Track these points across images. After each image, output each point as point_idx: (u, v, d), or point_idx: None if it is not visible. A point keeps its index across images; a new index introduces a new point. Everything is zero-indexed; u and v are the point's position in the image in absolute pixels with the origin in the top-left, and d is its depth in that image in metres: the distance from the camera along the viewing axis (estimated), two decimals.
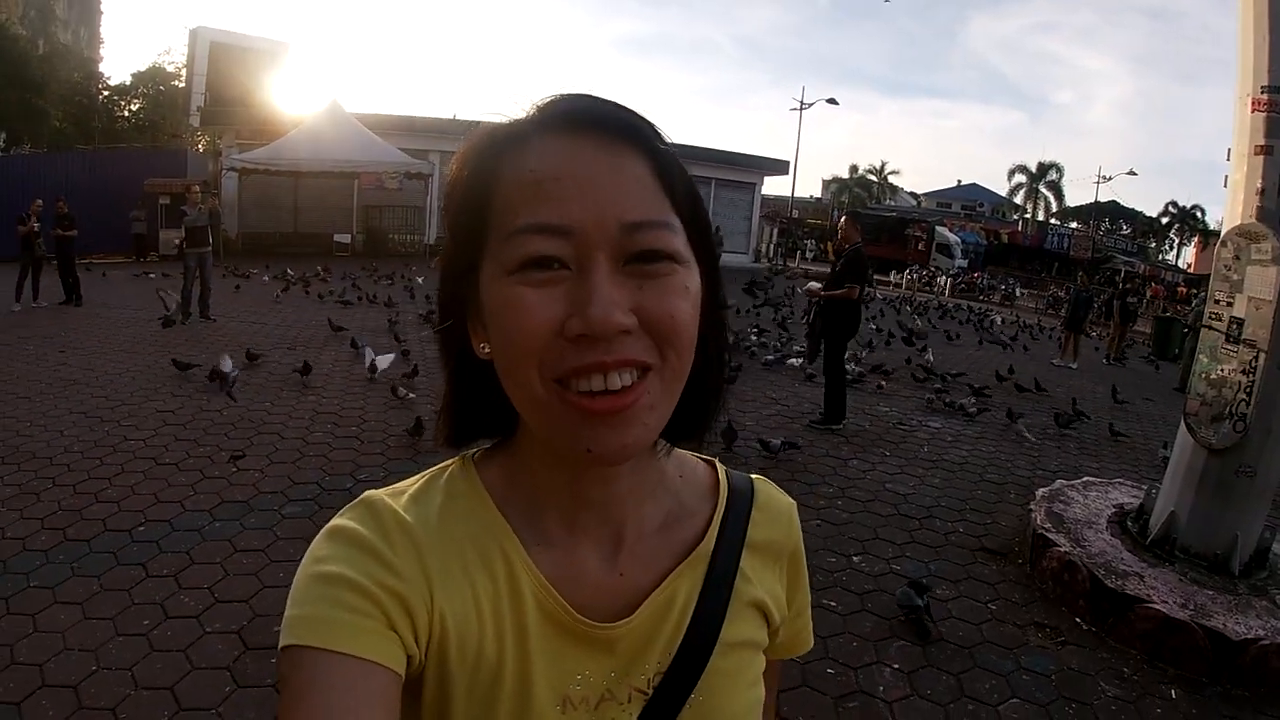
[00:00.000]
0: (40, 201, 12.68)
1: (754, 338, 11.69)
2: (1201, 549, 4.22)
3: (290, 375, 8.07)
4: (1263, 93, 4.11)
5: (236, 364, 6.48)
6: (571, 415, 0.56)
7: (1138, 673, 3.63)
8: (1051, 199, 54.09)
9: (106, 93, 55.64)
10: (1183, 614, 3.70)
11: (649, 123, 0.61)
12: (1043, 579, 4.43)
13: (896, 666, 3.56)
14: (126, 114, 53.92)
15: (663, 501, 0.71)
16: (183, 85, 33.51)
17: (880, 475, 6.22)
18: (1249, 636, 3.56)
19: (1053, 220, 53.61)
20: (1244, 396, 4.12)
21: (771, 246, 37.06)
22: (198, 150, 31.39)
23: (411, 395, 7.27)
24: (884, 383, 9.61)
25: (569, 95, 0.61)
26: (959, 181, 67.17)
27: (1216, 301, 4.32)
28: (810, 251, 40.04)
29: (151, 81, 51.78)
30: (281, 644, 0.56)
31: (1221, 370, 4.23)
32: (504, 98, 0.60)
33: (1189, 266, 50.99)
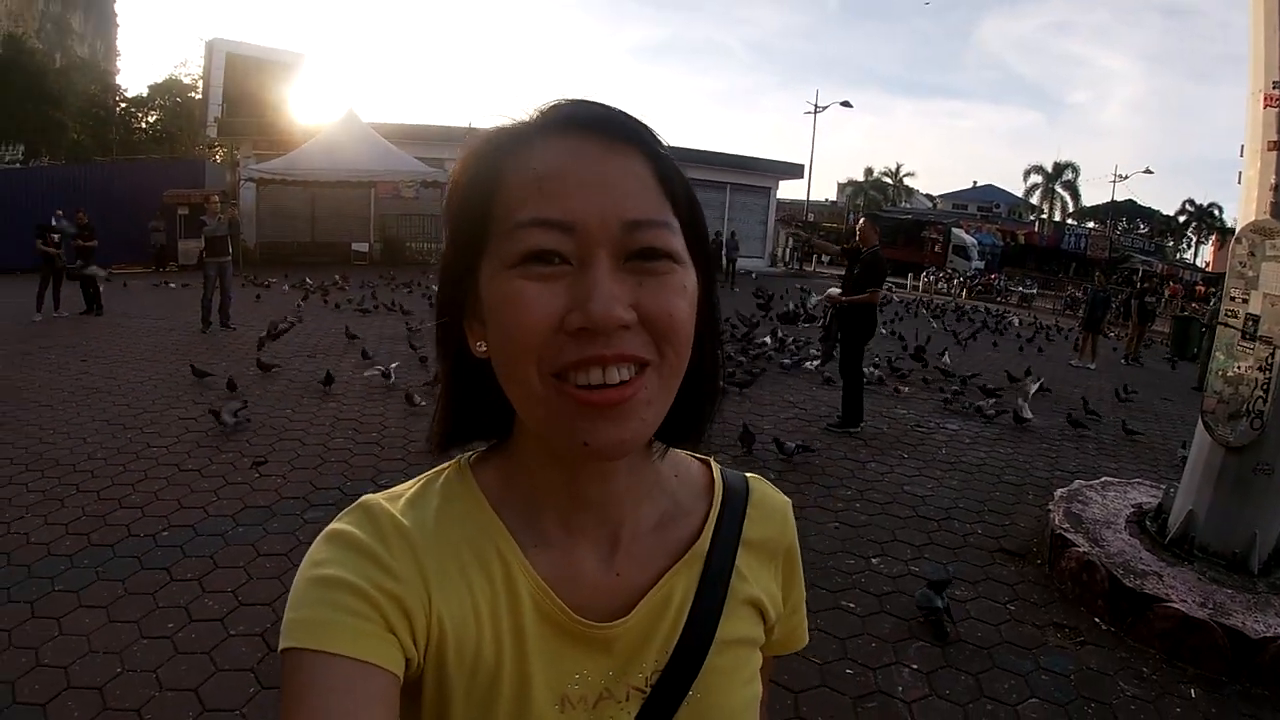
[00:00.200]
0: (60, 213, 12.84)
1: (768, 341, 11.68)
2: (1220, 547, 4.20)
3: (311, 383, 8.14)
4: (1275, 88, 4.09)
5: (239, 414, 6.56)
6: (569, 408, 0.56)
7: (1157, 672, 3.61)
8: (1068, 199, 53.81)
9: (123, 105, 56.25)
10: (1201, 613, 3.68)
11: (648, 127, 0.62)
12: (1061, 579, 4.42)
13: (915, 667, 3.57)
14: (143, 125, 54.47)
15: (659, 501, 0.71)
16: (199, 97, 33.88)
17: (898, 477, 6.21)
18: (1268, 634, 3.54)
19: (1069, 220, 53.26)
20: (1261, 393, 4.10)
21: (787, 250, 37.00)
22: (215, 161, 31.70)
23: (422, 403, 7.30)
24: (901, 388, 9.57)
25: (570, 99, 0.62)
26: (975, 183, 66.81)
27: (1232, 298, 4.30)
28: (826, 257, 39.90)
29: (168, 93, 52.28)
30: (281, 647, 0.57)
31: (1238, 367, 4.21)
32: (511, 104, 0.62)
33: (1207, 265, 50.49)
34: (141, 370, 8.66)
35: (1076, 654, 3.75)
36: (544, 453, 0.64)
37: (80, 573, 4.03)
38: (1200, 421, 4.42)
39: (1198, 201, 57.58)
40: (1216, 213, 54.10)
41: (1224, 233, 48.33)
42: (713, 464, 0.79)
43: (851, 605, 4.09)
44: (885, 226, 31.94)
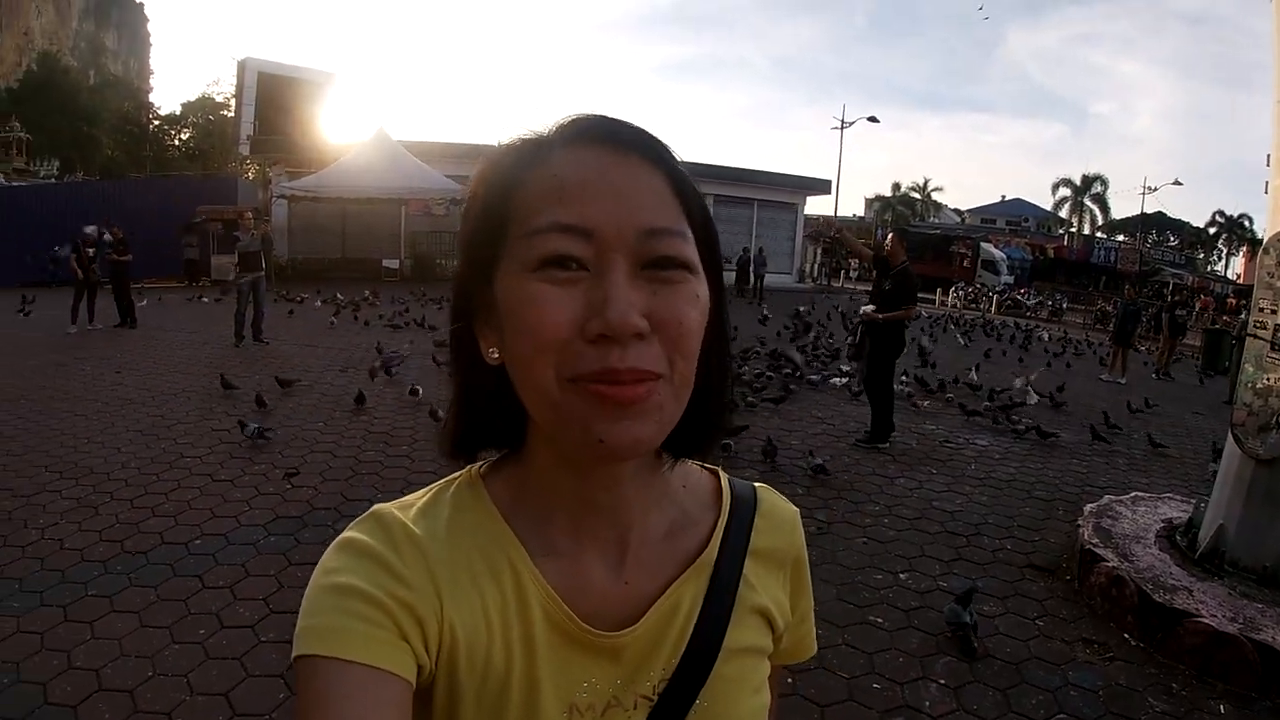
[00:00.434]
0: (94, 228, 13.09)
1: (797, 357, 11.66)
2: (1251, 562, 4.14)
3: (342, 397, 8.23)
4: None
5: (260, 420, 6.69)
6: (586, 405, 0.56)
7: (1186, 688, 3.57)
8: (1097, 212, 53.46)
9: (157, 122, 57.39)
10: (1231, 627, 3.63)
11: (664, 143, 0.63)
12: (1090, 595, 4.37)
13: (943, 682, 3.54)
14: (176, 143, 55.49)
15: (667, 511, 0.72)
16: (232, 115, 34.38)
17: (927, 493, 6.18)
18: None
19: (1099, 234, 52.81)
20: None
21: (815, 266, 36.90)
22: (248, 178, 32.18)
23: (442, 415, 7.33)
24: (920, 402, 9.51)
25: (588, 114, 0.63)
26: (1003, 197, 66.28)
27: (1261, 310, 4.26)
28: (854, 271, 39.74)
29: (201, 111, 53.26)
30: (295, 654, 0.57)
31: (1268, 379, 4.16)
32: (534, 119, 0.64)
33: (1238, 277, 49.76)
34: (175, 382, 8.81)
35: (1105, 669, 3.71)
36: (555, 458, 0.65)
37: (113, 579, 4.10)
38: (1230, 434, 4.37)
39: (1228, 212, 57.01)
40: (1247, 224, 53.38)
41: (1254, 244, 47.58)
42: (721, 474, 0.79)
43: (879, 620, 4.07)
44: (913, 242, 31.84)
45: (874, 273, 7.82)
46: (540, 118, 0.64)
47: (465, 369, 0.67)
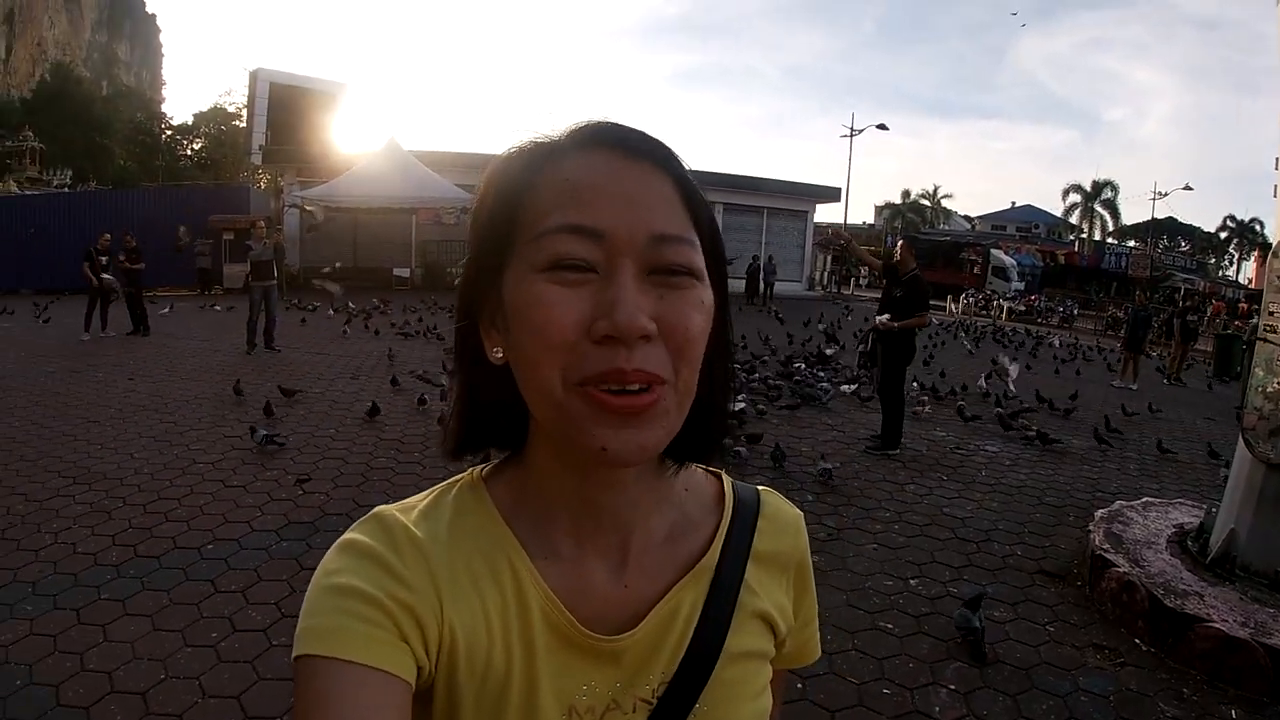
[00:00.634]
0: (109, 236, 13.20)
1: (802, 366, 11.67)
2: (1262, 566, 4.12)
3: (354, 404, 8.26)
4: None
5: (269, 427, 6.75)
6: (590, 412, 0.57)
7: (1197, 693, 3.55)
8: (1107, 217, 53.29)
9: (169, 132, 57.76)
10: (1243, 632, 3.61)
11: (673, 150, 0.63)
12: (1101, 600, 4.36)
13: (953, 687, 3.53)
14: (189, 153, 55.83)
15: (668, 514, 0.72)
16: (243, 125, 34.56)
17: (937, 499, 6.16)
18: None
19: (1109, 239, 52.65)
20: None
21: (825, 274, 36.85)
22: (259, 187, 32.32)
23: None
24: (919, 409, 9.49)
25: (599, 120, 0.64)
26: (1013, 203, 66.16)
27: (1271, 314, 4.24)
28: (864, 279, 39.67)
29: (213, 121, 53.54)
30: (295, 654, 0.57)
31: (1278, 383, 4.14)
32: (543, 124, 0.65)
33: (1250, 282, 49.52)
34: (187, 389, 8.87)
35: (1116, 675, 3.69)
36: (557, 461, 0.65)
37: (126, 582, 4.13)
38: (1240, 439, 4.35)
39: (1239, 217, 56.80)
40: (1258, 228, 53.20)
41: (1266, 248, 47.25)
42: (724, 477, 0.79)
43: (889, 626, 4.07)
44: (923, 249, 31.61)
45: (884, 281, 7.82)
46: (551, 123, 0.65)
47: (469, 368, 0.68)
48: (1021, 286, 37.13)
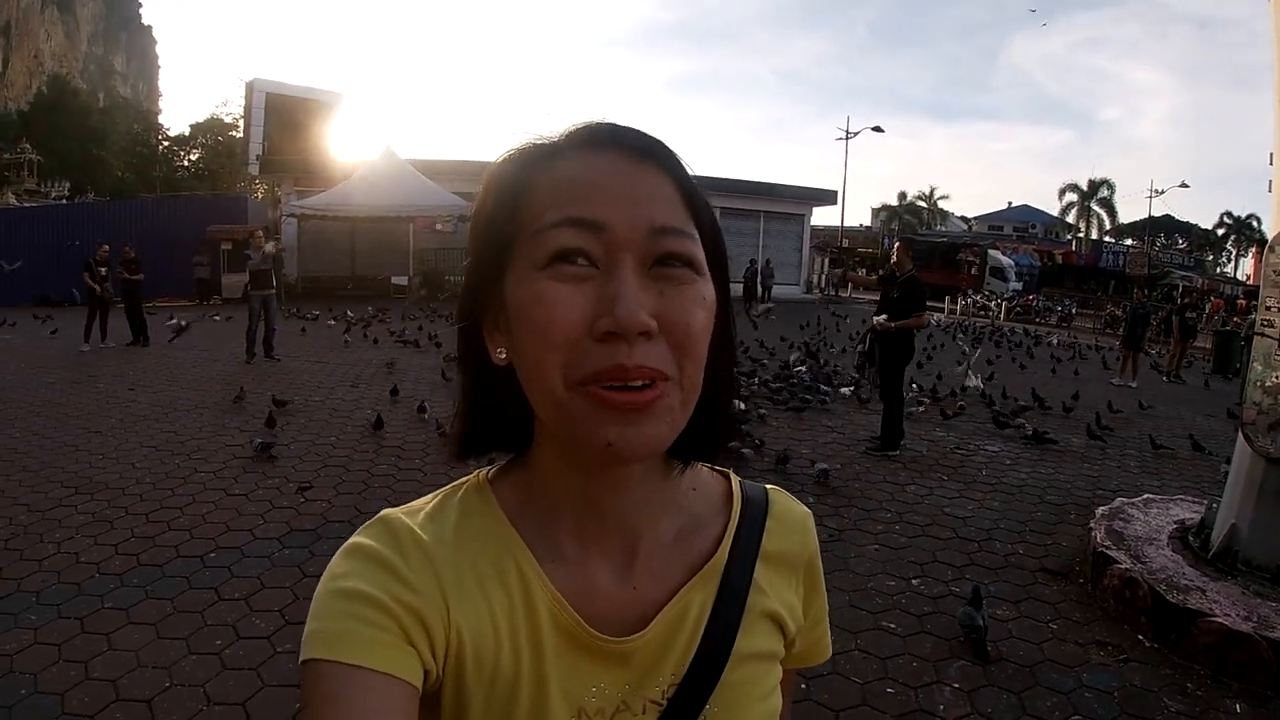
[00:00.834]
0: (107, 247, 13.22)
1: (801, 368, 11.69)
2: (1265, 560, 4.13)
3: (354, 412, 8.27)
4: None
5: (266, 435, 6.79)
6: (593, 408, 0.56)
7: (1201, 688, 3.56)
8: (1104, 216, 53.34)
9: (166, 143, 57.76)
10: (1246, 626, 3.62)
11: (674, 151, 0.63)
12: (1104, 597, 4.36)
13: (956, 686, 3.54)
14: (186, 163, 55.80)
15: (675, 516, 0.71)
16: (240, 135, 34.58)
17: (938, 499, 6.17)
18: None
19: (1107, 238, 52.70)
20: None
21: (823, 277, 36.87)
22: (257, 197, 32.35)
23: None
24: (916, 408, 9.50)
25: (597, 121, 0.64)
26: (1010, 203, 66.37)
27: (1268, 308, 4.25)
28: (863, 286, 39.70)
29: (210, 132, 53.50)
30: (302, 658, 0.57)
31: (1276, 378, 4.15)
32: (539, 125, 0.65)
33: (1248, 278, 49.51)
34: (188, 398, 8.86)
35: (1120, 671, 3.70)
36: (562, 461, 0.65)
37: (129, 591, 4.14)
38: (1240, 434, 4.36)
39: (1236, 213, 56.96)
40: (1255, 224, 53.26)
41: (1263, 244, 47.34)
42: (732, 476, 0.79)
43: (892, 626, 4.08)
44: (920, 250, 31.66)
45: (880, 281, 7.85)
46: (549, 124, 0.65)
47: (473, 370, 0.68)
48: (1019, 287, 37.17)
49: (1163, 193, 51.36)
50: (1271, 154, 4.28)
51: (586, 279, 0.57)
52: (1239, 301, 32.69)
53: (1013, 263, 39.37)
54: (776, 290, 26.59)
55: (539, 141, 0.64)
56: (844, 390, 10.27)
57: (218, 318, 17.20)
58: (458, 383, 0.71)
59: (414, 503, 0.69)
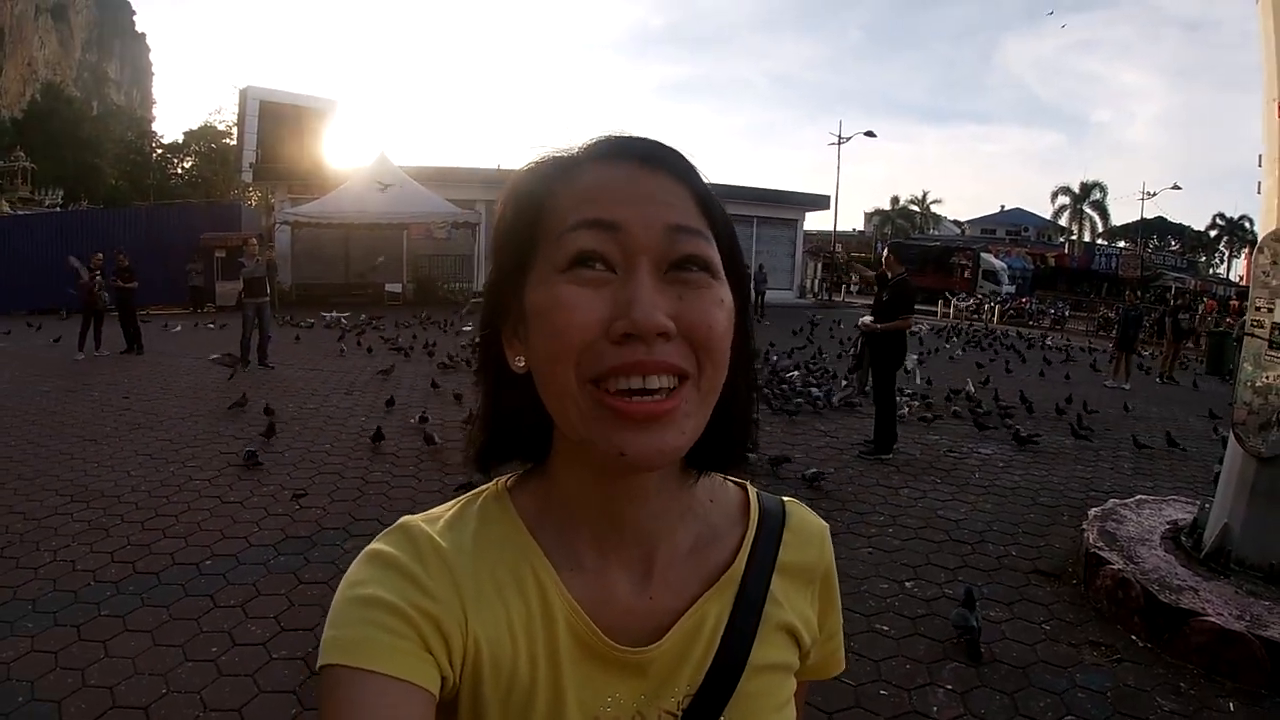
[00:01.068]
0: (100, 255, 13.20)
1: (795, 373, 11.71)
2: (1257, 559, 4.15)
3: (348, 419, 8.27)
4: None
5: (253, 443, 6.81)
6: (607, 417, 0.57)
7: (1195, 687, 3.58)
8: (1097, 219, 53.56)
9: (160, 151, 57.63)
10: (1239, 625, 3.64)
11: (690, 161, 0.65)
12: (1097, 598, 4.38)
13: (950, 687, 3.55)
14: (179, 171, 55.65)
15: (693, 526, 0.71)
16: (234, 142, 34.55)
17: (931, 502, 6.19)
18: None
19: (1099, 240, 52.88)
20: None
21: (816, 282, 36.89)
22: (251, 205, 32.30)
23: (437, 439, 7.28)
24: (908, 410, 9.51)
25: (616, 134, 0.65)
26: (1002, 207, 66.25)
27: (1257, 309, 4.28)
28: (855, 285, 39.76)
29: (203, 139, 53.38)
30: (319, 664, 0.58)
31: (1267, 377, 4.18)
32: (550, 138, 0.67)
33: (1241, 279, 49.66)
34: (182, 406, 8.86)
35: (1113, 671, 3.72)
36: (580, 470, 0.65)
37: (125, 599, 4.14)
38: (1231, 433, 4.39)
39: (1228, 215, 57.13)
40: (1248, 225, 53.35)
41: (1255, 245, 47.54)
42: (749, 488, 0.79)
43: (885, 628, 4.09)
44: (913, 254, 31.81)
45: (875, 286, 7.87)
46: (567, 139, 0.66)
47: (492, 379, 0.68)
48: (1012, 289, 37.27)
49: (1155, 195, 51.72)
50: (1260, 155, 4.31)
51: (604, 283, 0.58)
52: (1232, 303, 32.77)
53: (1006, 266, 39.47)
54: (769, 295, 26.60)
55: (558, 155, 0.65)
56: (835, 400, 10.22)
57: (211, 325, 17.17)
58: (478, 390, 0.71)
59: (433, 510, 0.70)
